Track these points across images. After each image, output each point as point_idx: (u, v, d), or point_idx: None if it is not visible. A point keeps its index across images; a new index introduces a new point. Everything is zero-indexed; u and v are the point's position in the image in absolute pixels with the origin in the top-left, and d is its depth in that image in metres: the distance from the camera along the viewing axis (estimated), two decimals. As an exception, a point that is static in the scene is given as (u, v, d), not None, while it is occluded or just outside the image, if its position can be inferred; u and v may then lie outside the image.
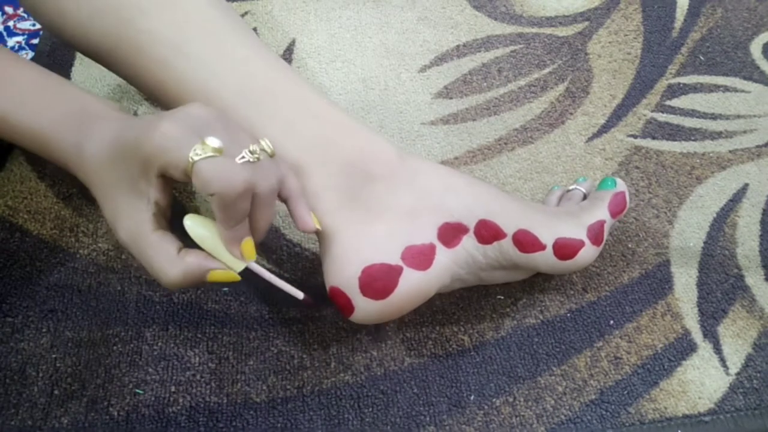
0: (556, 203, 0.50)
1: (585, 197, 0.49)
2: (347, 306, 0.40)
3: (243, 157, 0.33)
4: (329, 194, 0.40)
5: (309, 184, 0.40)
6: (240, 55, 0.40)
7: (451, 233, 0.41)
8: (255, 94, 0.40)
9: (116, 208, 0.35)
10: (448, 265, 0.41)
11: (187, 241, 0.36)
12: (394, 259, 0.39)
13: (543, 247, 0.42)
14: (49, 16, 0.41)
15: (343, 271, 0.39)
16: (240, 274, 0.36)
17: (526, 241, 0.41)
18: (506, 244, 0.41)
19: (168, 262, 0.34)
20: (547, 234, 0.42)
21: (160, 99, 0.41)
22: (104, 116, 0.36)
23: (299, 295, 0.39)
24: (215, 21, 0.41)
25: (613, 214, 0.45)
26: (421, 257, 0.40)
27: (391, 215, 0.40)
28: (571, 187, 0.50)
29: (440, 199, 0.41)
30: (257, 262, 0.37)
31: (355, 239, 0.39)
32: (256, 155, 0.34)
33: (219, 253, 0.35)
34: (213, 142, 0.32)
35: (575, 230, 0.43)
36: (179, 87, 0.40)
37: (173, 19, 0.39)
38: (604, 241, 0.44)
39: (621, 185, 0.47)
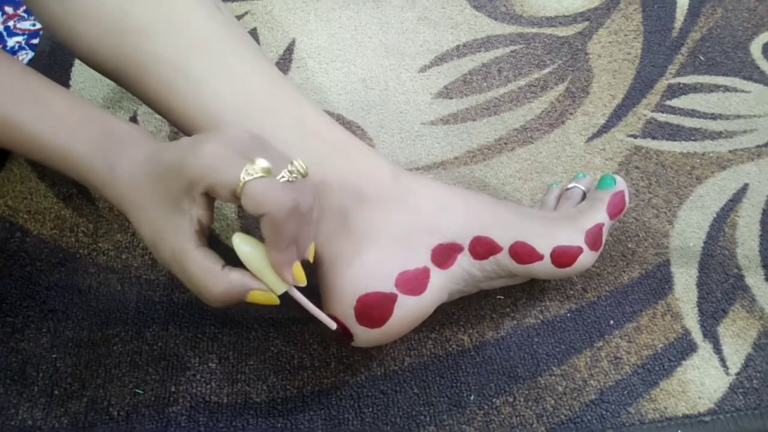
0: (554, 203, 0.50)
1: (584, 195, 0.49)
2: (346, 334, 0.40)
3: (283, 177, 0.34)
4: (324, 219, 0.40)
5: None
6: (240, 73, 0.41)
7: (445, 254, 0.41)
8: (254, 113, 0.41)
9: (156, 228, 0.35)
10: (444, 285, 0.41)
11: (228, 261, 0.36)
12: (388, 286, 0.39)
13: (541, 257, 0.42)
14: (63, 34, 0.42)
15: (339, 301, 0.40)
16: (279, 297, 0.36)
17: (523, 253, 0.42)
18: (503, 258, 0.42)
19: (212, 277, 0.34)
20: (544, 243, 0.42)
21: (166, 116, 0.42)
22: (134, 137, 0.37)
23: (332, 325, 0.39)
24: (215, 39, 0.41)
25: (612, 216, 0.45)
26: (415, 282, 0.40)
27: (384, 240, 0.40)
28: (570, 185, 0.50)
29: (433, 220, 0.41)
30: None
31: (349, 267, 0.39)
32: (294, 175, 0.34)
33: (263, 274, 0.35)
34: (262, 163, 0.33)
35: (573, 236, 0.43)
36: (182, 106, 0.41)
37: (175, 42, 0.40)
38: (602, 245, 0.44)
39: (620, 184, 0.47)
